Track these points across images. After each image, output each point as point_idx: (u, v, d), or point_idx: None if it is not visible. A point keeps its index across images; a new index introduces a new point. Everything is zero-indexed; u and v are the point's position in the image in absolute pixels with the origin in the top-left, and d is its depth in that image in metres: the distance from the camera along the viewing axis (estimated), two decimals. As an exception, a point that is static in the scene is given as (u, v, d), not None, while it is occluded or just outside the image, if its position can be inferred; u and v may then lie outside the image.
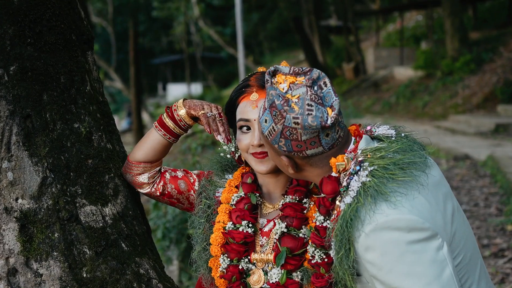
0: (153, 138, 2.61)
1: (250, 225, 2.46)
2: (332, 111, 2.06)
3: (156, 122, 2.60)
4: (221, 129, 2.52)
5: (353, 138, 2.20)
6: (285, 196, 2.48)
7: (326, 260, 2.26)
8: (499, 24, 26.91)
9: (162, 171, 2.69)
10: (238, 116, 2.48)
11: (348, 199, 2.03)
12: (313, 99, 2.05)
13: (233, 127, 2.55)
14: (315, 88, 2.11)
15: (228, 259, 2.45)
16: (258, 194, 2.52)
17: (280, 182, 2.53)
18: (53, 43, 2.56)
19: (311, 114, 2.02)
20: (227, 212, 2.51)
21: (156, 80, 52.00)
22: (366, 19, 41.49)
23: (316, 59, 31.34)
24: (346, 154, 2.12)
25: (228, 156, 2.65)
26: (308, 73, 2.14)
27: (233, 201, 2.52)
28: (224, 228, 2.48)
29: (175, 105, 2.59)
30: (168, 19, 35.99)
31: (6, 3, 2.47)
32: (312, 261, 2.30)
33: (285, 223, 2.41)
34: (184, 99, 2.60)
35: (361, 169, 2.06)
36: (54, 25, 2.57)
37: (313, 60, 31.04)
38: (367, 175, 2.03)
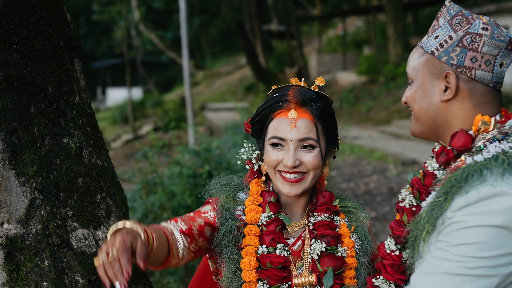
0: None
1: (286, 248, 2.30)
2: None
3: None
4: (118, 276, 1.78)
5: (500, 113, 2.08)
6: (314, 214, 2.37)
7: (414, 209, 2.12)
8: (439, 30, 27.37)
9: (184, 229, 2.19)
10: (271, 132, 2.31)
11: (479, 157, 1.90)
12: (497, 25, 2.01)
13: (260, 137, 2.38)
14: None
15: (267, 286, 2.26)
16: (285, 215, 2.36)
17: (302, 201, 2.41)
18: (40, 50, 2.30)
19: (501, 28, 1.98)
20: (257, 234, 2.31)
21: (95, 84, 51.07)
22: (306, 24, 41.69)
23: (258, 63, 31.28)
24: (493, 118, 2.01)
25: (247, 167, 2.45)
26: None
27: (261, 221, 2.33)
28: (256, 251, 2.29)
29: None
30: (109, 22, 35.34)
31: (-12, 6, 2.20)
32: (400, 204, 2.17)
33: (324, 243, 2.29)
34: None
35: (505, 140, 1.93)
36: (41, 29, 2.32)
37: (255, 64, 30.98)
38: (510, 147, 1.90)
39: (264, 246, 2.28)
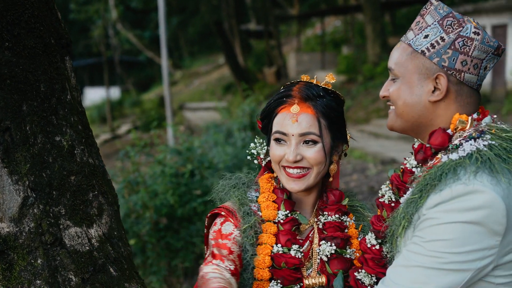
0: None
1: (300, 249, 2.30)
2: None
3: None
4: None
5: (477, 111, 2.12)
6: (324, 213, 2.37)
7: (393, 204, 2.18)
8: (416, 30, 27.55)
9: (233, 269, 2.20)
10: (275, 127, 2.32)
11: (454, 156, 1.94)
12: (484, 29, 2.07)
13: (267, 133, 2.39)
14: None
15: (280, 286, 2.25)
16: (299, 213, 2.36)
17: (311, 198, 2.41)
18: (32, 48, 2.28)
19: (489, 35, 2.03)
20: (273, 233, 2.30)
21: (72, 84, 50.61)
22: (285, 23, 41.76)
23: (237, 63, 31.27)
24: (470, 117, 2.06)
25: (256, 162, 2.47)
26: None
27: (278, 218, 2.32)
28: (271, 251, 2.27)
29: None
30: (86, 21, 35.06)
31: (-20, 3, 2.18)
32: (380, 200, 2.23)
33: (334, 244, 2.30)
34: None
35: (480, 138, 1.97)
36: (33, 27, 2.30)
37: (234, 64, 30.96)
38: (485, 146, 1.94)
39: (279, 245, 2.27)
